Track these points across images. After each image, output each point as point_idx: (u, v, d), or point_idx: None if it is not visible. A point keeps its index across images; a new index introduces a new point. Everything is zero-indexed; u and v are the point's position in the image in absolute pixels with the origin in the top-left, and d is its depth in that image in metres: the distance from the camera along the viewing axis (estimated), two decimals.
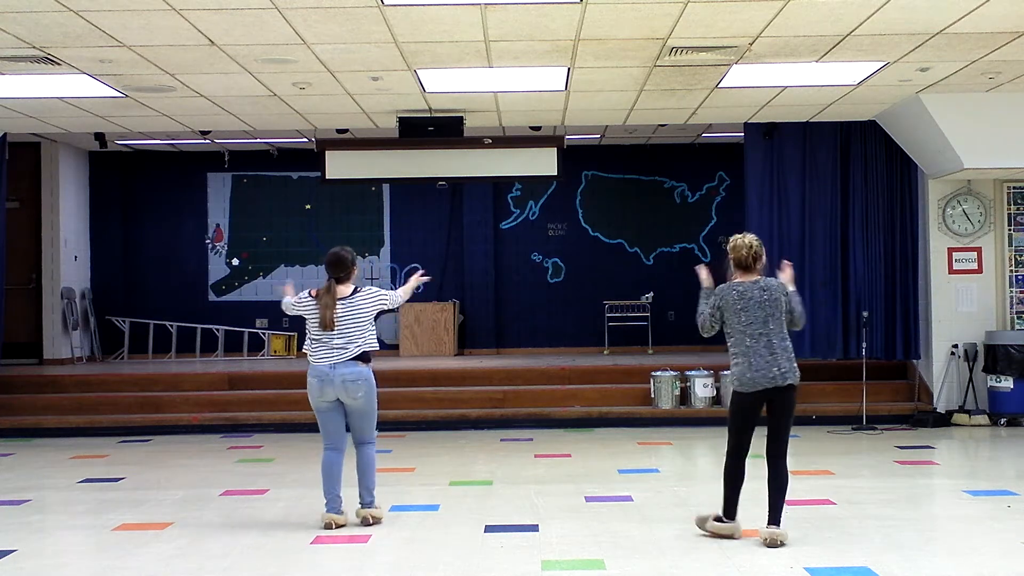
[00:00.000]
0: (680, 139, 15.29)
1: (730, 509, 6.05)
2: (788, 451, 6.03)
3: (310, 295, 6.69)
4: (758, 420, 6.02)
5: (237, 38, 8.10)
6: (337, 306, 6.55)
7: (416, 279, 7.09)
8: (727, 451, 6.08)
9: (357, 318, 6.59)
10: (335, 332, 6.53)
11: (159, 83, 9.58)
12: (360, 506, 6.68)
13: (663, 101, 10.76)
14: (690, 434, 10.84)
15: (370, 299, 6.69)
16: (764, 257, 6.10)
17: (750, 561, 5.64)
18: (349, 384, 6.50)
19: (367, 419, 6.67)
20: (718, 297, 6.10)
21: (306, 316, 6.66)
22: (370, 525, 6.57)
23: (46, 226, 14.86)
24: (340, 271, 6.65)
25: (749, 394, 5.96)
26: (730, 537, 6.02)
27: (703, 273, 6.39)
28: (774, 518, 5.94)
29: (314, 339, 6.61)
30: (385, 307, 6.81)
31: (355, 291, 6.67)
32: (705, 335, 6.26)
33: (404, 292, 7.03)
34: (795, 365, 6.02)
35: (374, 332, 6.71)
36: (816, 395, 11.78)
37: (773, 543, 5.84)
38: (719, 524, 6.07)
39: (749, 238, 6.14)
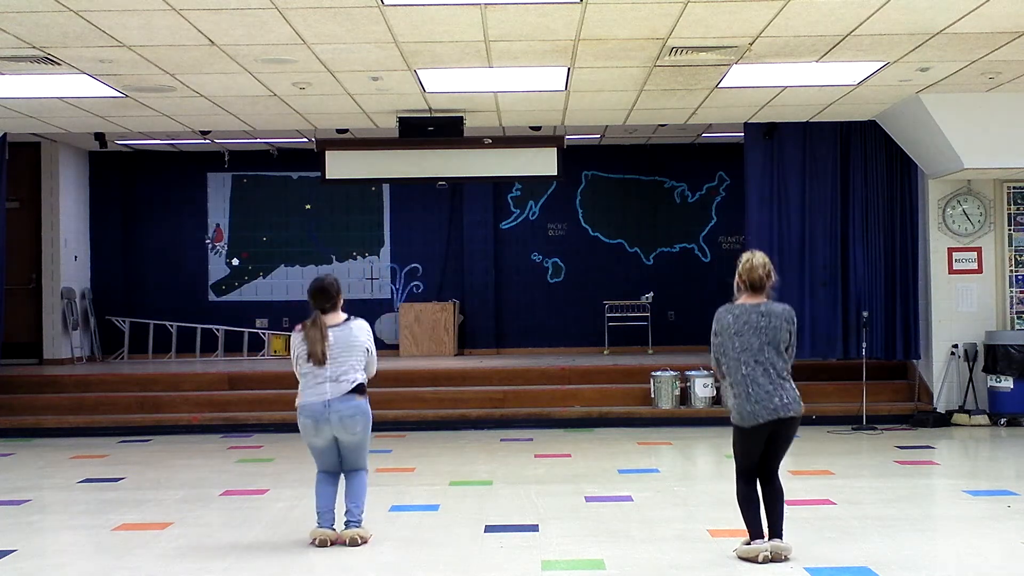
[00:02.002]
0: (680, 139, 15.29)
1: (754, 530, 5.70)
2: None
3: (298, 331, 6.25)
4: (764, 445, 5.71)
5: (237, 38, 8.10)
6: (329, 335, 6.12)
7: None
8: (736, 471, 5.78)
9: (350, 351, 6.16)
10: (327, 369, 6.10)
11: (159, 83, 9.58)
12: (346, 526, 6.23)
13: (663, 101, 10.76)
14: (690, 434, 10.84)
15: (363, 334, 6.25)
16: (775, 277, 5.79)
17: (749, 561, 5.64)
18: (347, 420, 6.09)
19: (361, 451, 6.29)
20: (716, 322, 5.78)
21: (298, 354, 6.20)
22: (357, 546, 6.17)
23: (46, 226, 14.86)
24: (325, 301, 6.19)
25: (750, 428, 5.64)
26: (756, 560, 5.60)
27: None
28: (776, 531, 5.72)
29: (304, 374, 6.16)
30: (367, 356, 6.25)
31: (347, 319, 6.24)
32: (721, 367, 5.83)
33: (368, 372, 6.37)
34: (798, 395, 5.69)
35: (364, 365, 6.25)
36: (816, 395, 11.77)
37: (777, 556, 5.63)
38: (746, 547, 5.71)
39: (760, 255, 5.80)
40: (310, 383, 6.14)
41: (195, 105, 10.66)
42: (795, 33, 8.16)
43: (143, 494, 8.05)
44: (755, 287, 5.73)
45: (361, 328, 6.28)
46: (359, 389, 6.17)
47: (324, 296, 6.22)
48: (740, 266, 5.79)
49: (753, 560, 5.62)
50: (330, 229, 15.92)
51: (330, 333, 6.13)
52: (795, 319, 5.77)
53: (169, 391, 12.50)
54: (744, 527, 5.75)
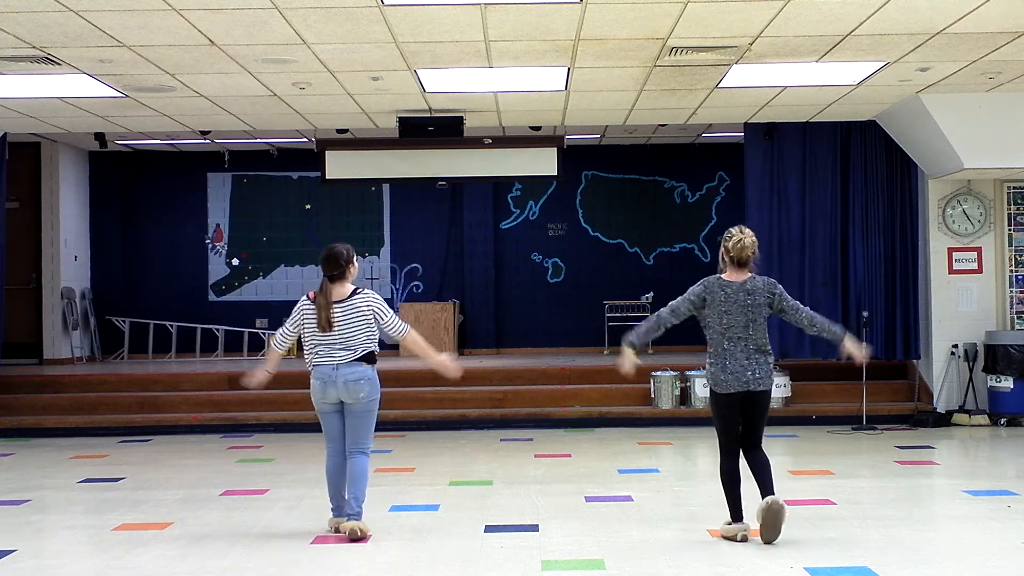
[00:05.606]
0: (680, 139, 15.29)
1: (735, 510, 6.06)
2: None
3: (307, 298, 6.38)
4: (740, 416, 6.06)
5: (237, 38, 8.10)
6: (334, 308, 6.24)
7: (444, 363, 6.72)
8: (719, 450, 6.13)
9: (356, 321, 6.29)
10: (335, 335, 6.26)
11: (159, 83, 9.58)
12: (347, 519, 6.32)
13: (663, 101, 10.76)
14: (690, 434, 10.83)
15: (369, 304, 6.33)
16: (758, 253, 6.09)
17: (749, 561, 5.64)
18: (351, 384, 6.27)
19: (365, 422, 6.41)
20: (704, 289, 6.05)
21: (304, 323, 6.33)
22: (357, 540, 6.24)
23: (46, 226, 14.86)
24: (334, 268, 6.30)
25: (722, 394, 6.02)
26: (735, 539, 6.00)
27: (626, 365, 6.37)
28: (768, 490, 5.94)
29: (316, 343, 6.32)
30: (382, 322, 6.38)
31: (355, 292, 6.35)
32: (665, 316, 6.13)
33: (415, 341, 6.54)
34: (771, 372, 6.04)
35: (375, 334, 6.39)
36: (816, 395, 11.79)
37: (775, 505, 5.85)
38: (728, 527, 6.09)
39: (749, 235, 6.02)
40: (323, 351, 6.32)
41: (195, 105, 10.66)
42: (795, 33, 8.16)
43: (143, 494, 8.04)
44: (741, 263, 6.02)
45: (366, 300, 6.36)
46: (367, 357, 6.36)
47: (333, 263, 6.35)
48: (729, 241, 6.01)
49: (732, 539, 5.98)
50: (330, 229, 15.90)
51: (335, 307, 6.27)
52: (776, 287, 6.05)
53: (169, 391, 12.50)
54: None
